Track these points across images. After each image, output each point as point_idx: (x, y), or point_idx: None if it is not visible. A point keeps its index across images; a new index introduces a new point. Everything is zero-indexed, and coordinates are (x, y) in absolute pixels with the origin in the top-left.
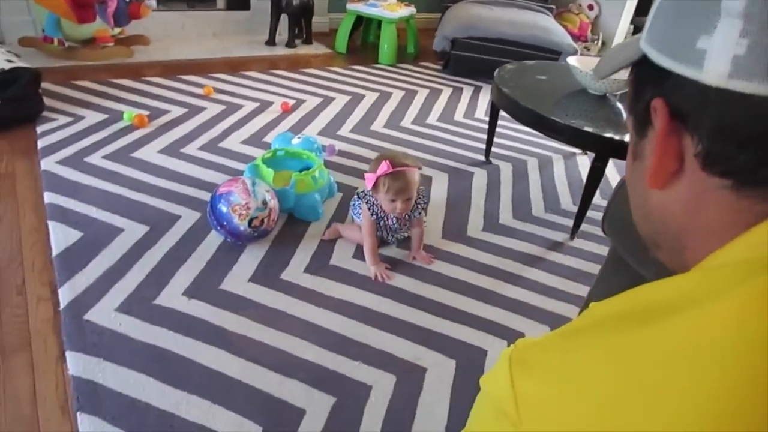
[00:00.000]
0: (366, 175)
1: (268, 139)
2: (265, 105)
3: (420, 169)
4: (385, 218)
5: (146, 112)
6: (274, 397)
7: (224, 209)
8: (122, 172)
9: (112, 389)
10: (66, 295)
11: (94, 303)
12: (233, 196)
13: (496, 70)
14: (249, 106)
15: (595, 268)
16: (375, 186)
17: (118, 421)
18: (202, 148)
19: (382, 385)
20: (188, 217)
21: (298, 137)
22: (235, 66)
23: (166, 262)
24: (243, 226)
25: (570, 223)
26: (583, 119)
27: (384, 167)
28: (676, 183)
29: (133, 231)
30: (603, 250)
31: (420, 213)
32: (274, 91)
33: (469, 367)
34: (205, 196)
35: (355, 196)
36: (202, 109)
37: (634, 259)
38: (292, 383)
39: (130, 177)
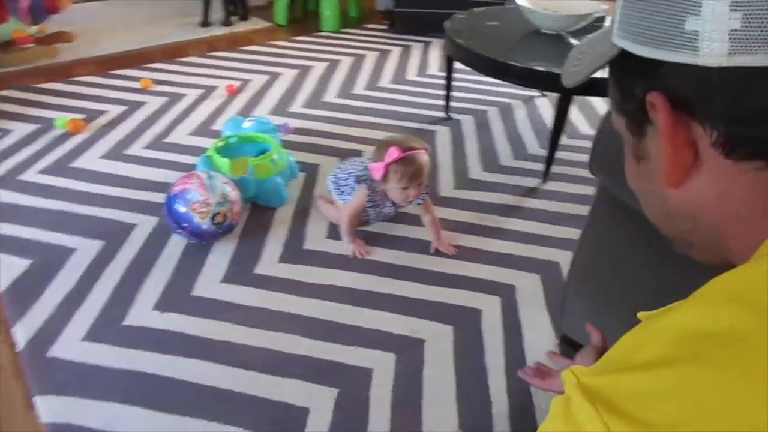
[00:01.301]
0: (371, 165)
1: (217, 126)
2: (209, 90)
3: (427, 150)
4: (382, 205)
5: (81, 116)
6: (274, 401)
7: (182, 209)
8: (63, 185)
9: (95, 429)
10: (23, 333)
11: (56, 336)
12: (190, 193)
13: (446, 22)
14: (192, 94)
15: (573, 209)
16: (384, 176)
17: None
18: (148, 146)
19: (382, 366)
20: (144, 224)
21: (249, 120)
22: (172, 52)
23: (128, 276)
24: (206, 224)
25: (540, 167)
26: (543, 60)
27: (394, 153)
28: (695, 176)
29: (86, 249)
30: (577, 189)
31: (425, 196)
32: (217, 74)
33: (468, 331)
34: (160, 198)
35: (349, 178)
36: (142, 104)
37: (626, 193)
38: (289, 383)
39: (73, 190)
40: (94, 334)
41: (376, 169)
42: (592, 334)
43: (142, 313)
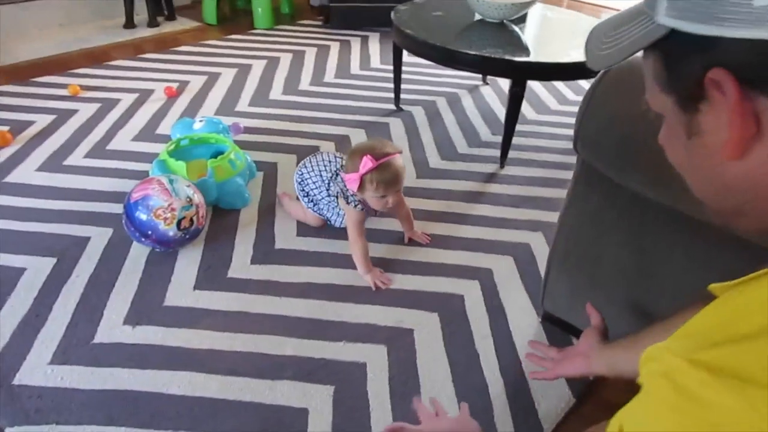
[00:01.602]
0: (345, 176)
1: (162, 130)
2: (145, 94)
3: (401, 152)
4: (368, 212)
5: (5, 128)
6: (269, 405)
7: (144, 217)
8: (0, 202)
9: None
10: None
11: (20, 363)
12: (152, 199)
13: (392, 13)
14: (127, 99)
15: (532, 191)
16: (360, 186)
17: None
18: (89, 155)
19: (375, 359)
20: (99, 236)
21: (200, 120)
22: (97, 57)
23: (91, 292)
24: (172, 230)
25: (494, 153)
26: (492, 47)
27: (367, 164)
28: (756, 147)
29: (37, 267)
30: (534, 173)
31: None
32: (151, 77)
33: (453, 316)
34: (111, 208)
35: (318, 181)
36: (74, 111)
37: (613, 169)
38: (282, 385)
39: (11, 206)
40: (62, 357)
41: (351, 181)
42: (592, 316)
43: (113, 329)
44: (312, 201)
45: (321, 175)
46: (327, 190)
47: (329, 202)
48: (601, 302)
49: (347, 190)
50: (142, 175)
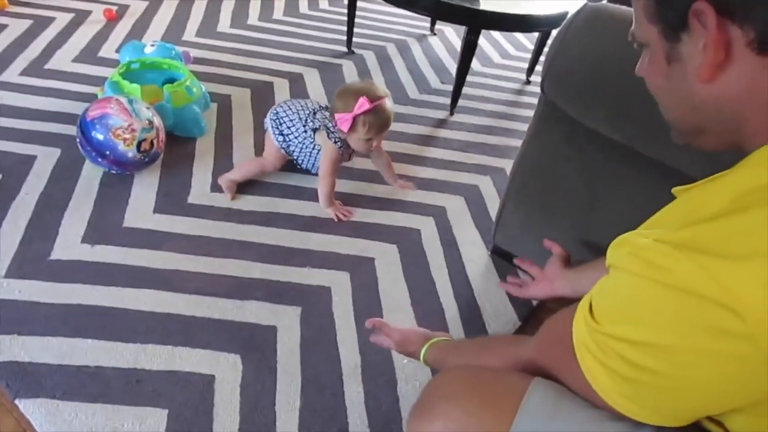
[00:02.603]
0: (337, 115)
1: (105, 53)
2: (82, 15)
3: (389, 96)
4: (345, 153)
5: None
6: (239, 323)
7: (102, 137)
8: None
9: (46, 363)
10: None
11: None
12: (111, 119)
13: None
14: (63, 18)
15: (480, 138)
16: (352, 127)
17: (71, 395)
18: (25, 72)
19: (339, 283)
20: (46, 156)
21: (152, 45)
22: None
23: (42, 210)
24: (131, 152)
25: (443, 100)
26: None
27: (364, 105)
28: (726, 71)
29: None
30: (481, 121)
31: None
32: None
33: (411, 247)
34: (57, 128)
35: (294, 119)
36: (3, 26)
37: (577, 107)
38: (251, 304)
39: None
40: (17, 270)
41: (343, 120)
42: (553, 248)
43: (71, 247)
44: (285, 140)
45: (298, 114)
46: (304, 126)
47: (303, 139)
48: (551, 234)
49: (331, 125)
50: (88, 98)
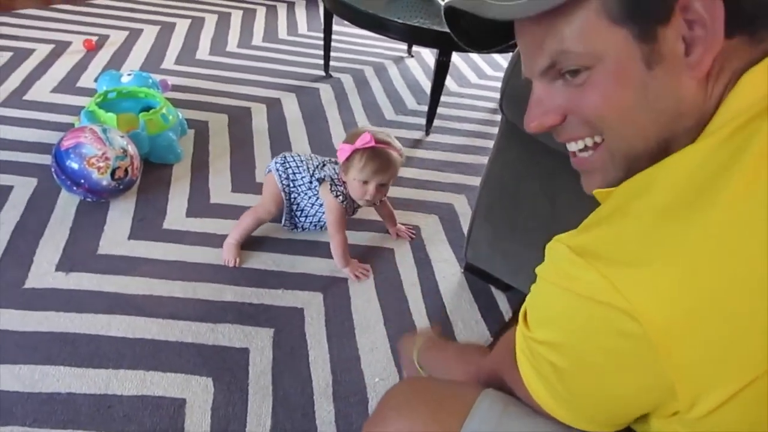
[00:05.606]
0: (341, 145)
1: (84, 83)
2: (61, 46)
3: (402, 156)
4: (349, 207)
5: None
6: (211, 346)
7: (76, 165)
8: None
9: (17, 392)
10: None
11: None
12: (84, 147)
13: None
14: (42, 49)
15: (456, 157)
16: (348, 160)
17: (42, 422)
18: (4, 104)
19: (312, 304)
20: (23, 186)
21: (128, 74)
22: (2, 4)
23: (18, 239)
24: (105, 180)
25: (419, 121)
26: (421, 18)
27: (366, 138)
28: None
29: None
30: (456, 141)
31: (384, 199)
32: (65, 28)
33: (384, 266)
34: (34, 158)
35: (301, 168)
36: None
37: None
38: (223, 327)
39: None
40: None
41: (343, 151)
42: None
43: (45, 275)
44: (290, 183)
45: (306, 163)
46: (310, 176)
47: (307, 189)
48: (519, 247)
49: (337, 178)
50: (65, 127)
